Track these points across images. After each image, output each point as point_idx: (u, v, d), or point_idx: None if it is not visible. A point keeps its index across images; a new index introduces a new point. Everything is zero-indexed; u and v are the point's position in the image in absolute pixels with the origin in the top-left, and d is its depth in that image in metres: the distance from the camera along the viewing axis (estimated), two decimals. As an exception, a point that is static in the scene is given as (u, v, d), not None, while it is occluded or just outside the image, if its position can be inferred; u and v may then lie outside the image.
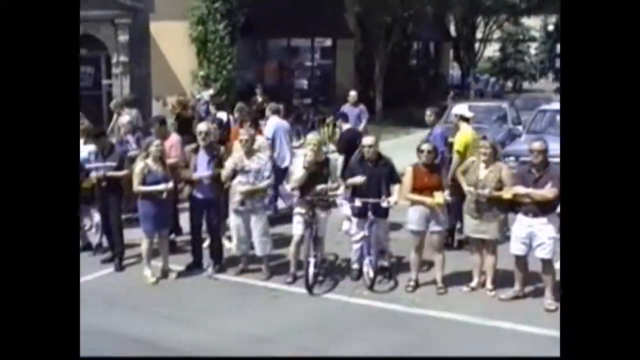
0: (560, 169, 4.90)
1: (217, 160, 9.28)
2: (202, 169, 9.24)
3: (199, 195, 9.24)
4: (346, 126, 11.94)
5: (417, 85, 31.55)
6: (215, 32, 19.16)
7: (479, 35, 39.82)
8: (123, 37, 18.72)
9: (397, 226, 10.06)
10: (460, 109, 10.34)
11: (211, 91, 18.45)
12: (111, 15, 18.66)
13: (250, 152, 8.97)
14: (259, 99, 18.04)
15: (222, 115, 13.41)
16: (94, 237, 10.49)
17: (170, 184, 8.92)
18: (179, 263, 9.60)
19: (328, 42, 26.63)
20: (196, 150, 9.35)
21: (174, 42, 19.55)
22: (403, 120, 24.50)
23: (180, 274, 9.34)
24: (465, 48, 39.44)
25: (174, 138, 10.93)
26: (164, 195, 8.86)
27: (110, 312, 8.08)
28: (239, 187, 8.84)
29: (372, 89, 26.87)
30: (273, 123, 12.18)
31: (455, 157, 9.65)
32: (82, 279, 8.69)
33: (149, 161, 8.86)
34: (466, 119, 10.09)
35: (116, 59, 19.02)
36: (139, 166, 8.79)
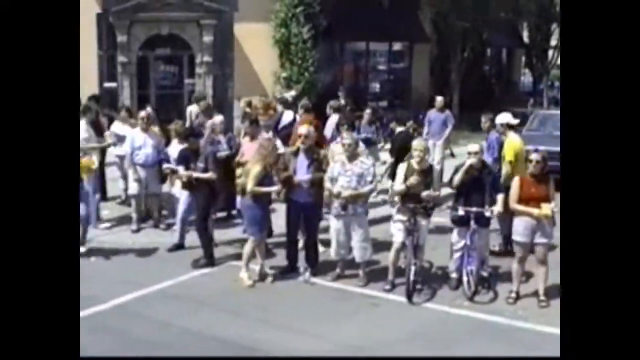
0: (560, 170, 4.82)
1: (317, 164, 9.16)
2: (301, 172, 9.14)
3: (297, 199, 9.13)
4: (399, 129, 11.76)
5: (491, 91, 30.96)
6: (298, 35, 19.09)
7: (552, 42, 38.86)
8: (208, 38, 18.86)
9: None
10: (505, 117, 10.23)
11: (293, 92, 18.35)
12: (196, 17, 18.78)
13: (353, 156, 8.82)
14: (342, 101, 17.84)
15: (289, 114, 13.22)
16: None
17: (279, 187, 8.86)
18: (270, 265, 9.53)
19: (404, 46, 26.29)
20: (296, 153, 9.23)
21: (256, 43, 19.58)
22: (478, 126, 23.97)
23: (275, 278, 9.19)
24: (537, 55, 38.52)
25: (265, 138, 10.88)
26: (281, 196, 8.79)
27: (204, 314, 8.03)
28: (342, 191, 8.67)
29: (447, 93, 26.45)
30: (334, 121, 12.03)
31: (507, 167, 9.57)
32: (175, 280, 9.00)
33: (267, 164, 8.79)
34: (512, 127, 10.05)
35: (200, 59, 19.18)
36: (255, 168, 8.71)
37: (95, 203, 10.99)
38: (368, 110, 13.53)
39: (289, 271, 9.39)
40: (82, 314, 7.38)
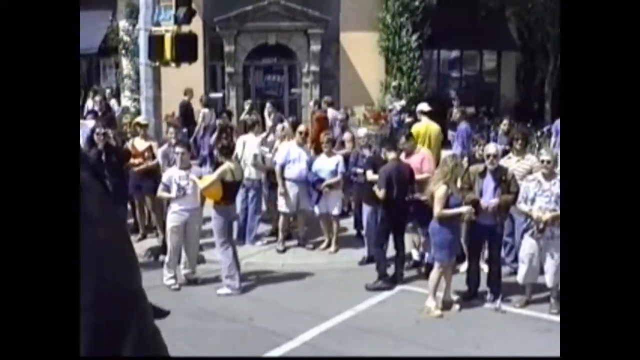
0: (560, 170, 4.95)
1: (505, 186, 8.18)
2: (488, 194, 8.17)
3: (482, 221, 8.15)
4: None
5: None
6: (407, 44, 18.12)
7: None
8: (315, 47, 18.08)
9: None
10: (422, 105, 12.43)
11: (403, 102, 17.47)
12: (304, 26, 17.98)
13: (550, 174, 7.81)
14: (455, 110, 16.82)
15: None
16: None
17: (470, 207, 7.88)
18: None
19: (493, 55, 25.20)
20: (483, 174, 8.25)
21: (361, 52, 18.71)
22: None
23: (461, 305, 8.25)
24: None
25: (424, 152, 10.00)
26: (472, 217, 7.83)
27: (405, 350, 7.14)
28: (539, 214, 7.69)
29: (535, 101, 25.39)
30: (463, 129, 12.17)
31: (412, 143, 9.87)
32: (355, 310, 8.18)
33: (451, 183, 7.84)
34: (426, 113, 11.94)
35: (307, 68, 18.41)
36: (441, 189, 7.77)
37: (256, 220, 10.51)
38: (505, 121, 12.48)
39: (470, 297, 8.40)
40: (273, 353, 6.61)
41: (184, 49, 10.24)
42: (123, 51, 19.18)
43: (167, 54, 10.10)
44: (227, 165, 8.67)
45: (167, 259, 8.79)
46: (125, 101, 19.50)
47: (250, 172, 10.29)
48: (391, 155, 9.00)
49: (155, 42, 10.30)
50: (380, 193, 8.75)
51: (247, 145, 10.62)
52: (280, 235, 10.53)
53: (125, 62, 19.43)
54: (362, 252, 10.01)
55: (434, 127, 11.64)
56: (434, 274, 8.03)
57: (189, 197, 8.72)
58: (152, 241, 10.75)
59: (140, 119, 10.68)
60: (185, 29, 10.43)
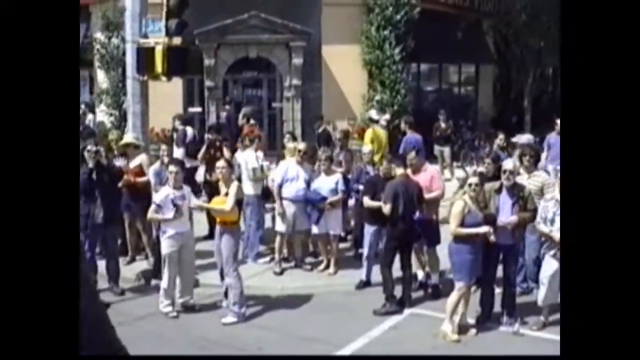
0: (560, 171, 5.15)
1: (522, 203, 7.86)
2: (505, 212, 7.84)
3: (499, 240, 7.79)
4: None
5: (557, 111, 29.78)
6: (390, 57, 17.83)
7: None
8: (297, 60, 17.63)
9: None
10: (371, 113, 13.94)
11: (387, 116, 17.06)
12: (285, 39, 17.57)
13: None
14: (442, 124, 16.57)
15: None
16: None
17: (489, 227, 7.53)
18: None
19: (470, 68, 25.16)
20: (499, 190, 7.92)
21: (344, 65, 18.34)
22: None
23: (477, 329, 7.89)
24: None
25: (433, 170, 9.68)
26: (492, 238, 7.48)
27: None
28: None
29: (512, 114, 25.46)
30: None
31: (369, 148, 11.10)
32: (368, 337, 7.82)
33: (468, 200, 7.48)
34: (376, 121, 13.06)
35: (289, 82, 17.93)
36: (459, 205, 7.41)
37: (257, 236, 10.22)
38: (501, 136, 12.24)
39: (484, 320, 8.04)
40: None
41: (176, 62, 9.77)
42: (98, 64, 18.53)
43: (158, 67, 9.61)
44: (236, 182, 8.31)
45: (164, 284, 8.29)
46: (102, 116, 18.89)
47: (247, 188, 9.96)
48: (399, 170, 8.63)
49: (145, 55, 9.80)
50: (386, 208, 8.38)
51: (247, 161, 10.30)
52: (277, 256, 10.10)
53: (101, 76, 18.76)
54: (361, 274, 9.58)
55: (382, 133, 12.91)
56: (453, 296, 7.64)
57: (182, 219, 8.28)
58: (142, 264, 10.21)
59: (132, 139, 10.11)
60: (166, 41, 9.92)
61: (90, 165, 8.75)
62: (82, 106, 18.64)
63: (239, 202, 8.25)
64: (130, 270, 9.91)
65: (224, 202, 8.10)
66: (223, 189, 8.27)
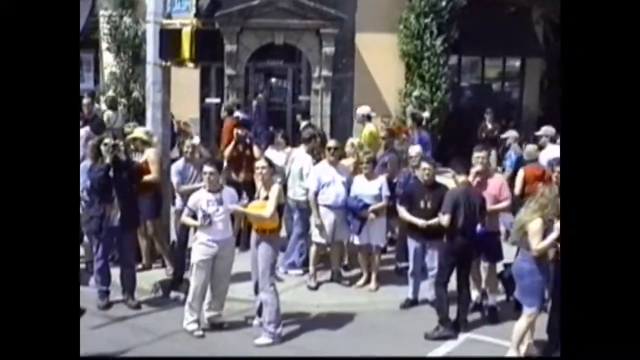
0: (560, 172, 5.56)
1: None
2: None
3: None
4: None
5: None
6: (431, 48, 17.51)
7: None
8: (329, 49, 17.38)
9: None
10: (364, 109, 13.36)
11: (427, 113, 16.84)
12: (316, 25, 17.30)
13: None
14: (489, 125, 16.24)
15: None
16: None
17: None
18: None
19: (515, 62, 24.67)
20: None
21: (379, 56, 18.12)
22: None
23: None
24: None
25: (501, 178, 9.44)
26: None
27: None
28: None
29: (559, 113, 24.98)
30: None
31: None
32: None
33: (546, 216, 7.20)
34: (370, 118, 13.13)
35: (318, 72, 17.67)
36: (537, 222, 7.12)
37: (298, 244, 10.15)
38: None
39: (553, 349, 7.74)
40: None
41: (205, 47, 9.48)
42: (106, 45, 18.30)
43: (185, 52, 9.33)
44: (278, 185, 8.07)
45: (189, 298, 8.05)
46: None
47: (295, 192, 9.89)
48: (461, 178, 8.34)
49: (170, 38, 9.52)
50: (444, 219, 8.11)
51: (297, 161, 10.11)
52: (312, 268, 9.85)
53: (108, 59, 18.57)
54: (405, 291, 9.32)
55: (377, 132, 12.92)
56: (522, 323, 7.35)
57: (219, 226, 8.01)
58: (159, 273, 9.98)
59: (141, 134, 9.86)
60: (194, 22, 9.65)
61: (107, 161, 8.49)
62: (86, 98, 18.29)
63: (279, 208, 7.97)
64: (146, 279, 9.65)
65: (263, 207, 7.85)
66: (263, 192, 8.00)
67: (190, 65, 9.63)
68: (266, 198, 7.93)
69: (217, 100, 17.72)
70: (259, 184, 8.15)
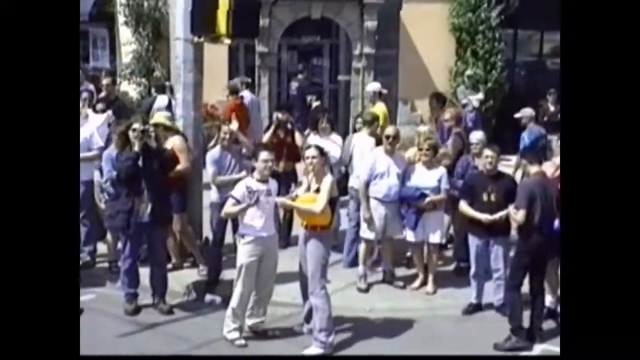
0: (561, 170, 5.74)
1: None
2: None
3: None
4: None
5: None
6: (486, 21, 17.17)
7: None
8: (371, 23, 17.17)
9: None
10: (374, 86, 13.19)
11: (480, 95, 16.51)
12: (356, -5, 17.05)
13: None
14: (551, 107, 15.86)
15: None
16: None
17: None
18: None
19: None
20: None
21: (428, 30, 17.83)
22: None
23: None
24: None
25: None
26: None
27: None
28: None
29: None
30: None
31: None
32: None
33: None
34: (381, 95, 12.89)
35: (359, 49, 17.48)
36: None
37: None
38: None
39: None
40: None
41: (244, 21, 9.27)
42: (124, 19, 18.18)
43: (222, 26, 9.12)
44: (331, 177, 7.92)
45: (234, 303, 7.88)
46: (125, 86, 18.57)
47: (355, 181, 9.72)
48: (533, 168, 8.06)
49: (203, 11, 9.31)
50: (519, 215, 7.85)
51: (359, 146, 10.00)
52: (361, 268, 9.62)
53: (126, 34, 18.44)
54: (466, 294, 9.08)
55: (384, 110, 12.75)
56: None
57: (268, 220, 7.84)
58: (191, 273, 9.88)
59: (163, 119, 9.68)
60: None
61: (136, 148, 8.31)
62: (104, 76, 18.20)
63: (332, 202, 7.75)
64: (177, 280, 9.50)
65: (314, 201, 7.65)
66: (313, 184, 7.82)
67: (227, 41, 9.46)
68: (317, 190, 7.72)
69: (248, 80, 17.49)
70: (309, 174, 7.93)
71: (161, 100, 14.11)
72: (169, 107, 13.55)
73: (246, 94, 13.76)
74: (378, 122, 10.67)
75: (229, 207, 7.95)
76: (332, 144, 10.48)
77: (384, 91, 13.09)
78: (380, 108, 12.48)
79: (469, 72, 17.27)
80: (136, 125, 8.44)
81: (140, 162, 8.37)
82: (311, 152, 7.90)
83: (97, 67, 20.32)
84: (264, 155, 7.85)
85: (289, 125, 10.96)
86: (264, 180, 7.85)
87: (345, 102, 18.28)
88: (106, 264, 10.04)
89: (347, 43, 17.97)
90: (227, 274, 9.39)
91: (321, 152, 7.95)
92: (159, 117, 9.77)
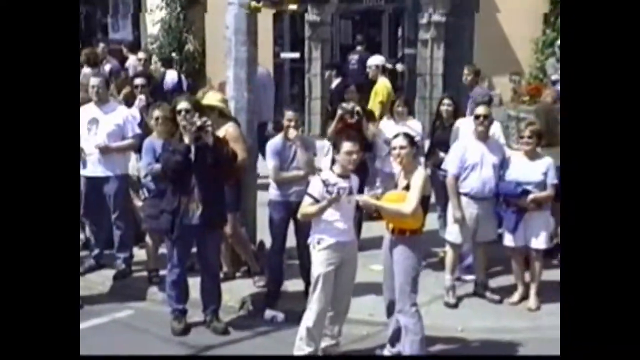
0: (560, 167, 6.37)
1: None
2: None
3: None
4: None
5: None
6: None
7: None
8: (447, -16, 16.88)
9: None
10: (378, 59, 13.46)
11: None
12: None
13: None
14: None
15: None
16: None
17: None
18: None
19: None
20: None
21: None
22: None
23: None
24: None
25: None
26: None
27: None
28: None
29: None
30: None
31: (379, 108, 12.14)
32: None
33: None
34: (385, 70, 13.35)
35: (427, 17, 17.24)
36: None
37: None
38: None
39: None
40: None
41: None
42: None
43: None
44: (423, 171, 7.66)
45: (309, 323, 7.60)
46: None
47: None
48: None
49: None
50: None
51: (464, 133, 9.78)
52: (449, 279, 9.37)
53: (153, 1, 18.36)
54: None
55: (389, 86, 13.20)
56: None
57: (348, 223, 7.62)
58: (245, 284, 9.67)
59: (217, 101, 9.36)
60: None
61: (187, 140, 8.01)
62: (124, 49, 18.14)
63: (424, 200, 7.44)
64: (230, 292, 9.26)
65: (403, 200, 7.36)
66: (402, 180, 7.56)
67: (292, 6, 9.23)
68: (406, 187, 7.39)
69: (296, 55, 17.27)
70: (396, 168, 7.67)
71: (169, 76, 13.89)
72: (179, 85, 13.40)
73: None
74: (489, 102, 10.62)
75: (307, 207, 7.66)
76: (410, 131, 10.11)
77: (388, 65, 13.52)
78: (383, 84, 12.90)
79: (559, 42, 16.82)
80: (182, 106, 8.16)
81: (191, 156, 8.06)
82: (399, 141, 7.60)
83: (116, 40, 20.29)
84: (347, 146, 7.54)
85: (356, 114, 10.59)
86: (345, 176, 7.53)
87: (409, 80, 17.95)
88: (145, 273, 9.77)
89: (414, 9, 17.76)
90: (288, 285, 9.25)
91: (411, 141, 7.64)
92: (213, 99, 9.42)
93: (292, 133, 8.89)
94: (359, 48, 16.77)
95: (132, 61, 15.93)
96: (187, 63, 17.53)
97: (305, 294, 8.45)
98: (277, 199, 9.04)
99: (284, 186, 8.88)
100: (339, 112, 10.44)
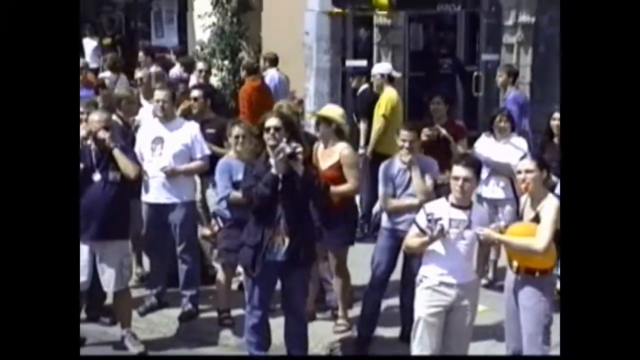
0: (560, 168, 6.48)
1: None
2: None
3: None
4: None
5: None
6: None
7: None
8: (535, -20, 16.70)
9: None
10: (384, 67, 13.28)
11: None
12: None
13: None
14: None
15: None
16: None
17: None
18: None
19: None
20: None
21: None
22: None
23: None
24: None
25: None
26: None
27: None
28: None
29: None
30: None
31: (381, 122, 12.16)
32: None
33: None
34: (392, 80, 12.82)
35: (512, 19, 16.87)
36: None
37: None
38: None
39: None
40: None
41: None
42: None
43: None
44: (556, 200, 7.24)
45: None
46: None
47: None
48: None
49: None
50: None
51: None
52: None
53: (203, 4, 18.26)
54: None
55: (396, 97, 12.89)
56: None
57: (461, 261, 7.38)
58: (328, 326, 9.42)
59: (339, 117, 9.09)
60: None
61: (275, 170, 7.71)
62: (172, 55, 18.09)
63: (557, 235, 7.13)
64: (314, 339, 8.93)
65: (532, 233, 7.08)
66: (528, 210, 7.29)
67: (383, 13, 8.93)
68: (536, 219, 7.03)
69: (363, 62, 17.00)
70: (524, 196, 7.43)
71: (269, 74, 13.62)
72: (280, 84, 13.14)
73: (271, 73, 13.27)
74: None
75: (410, 239, 7.49)
76: (514, 150, 9.78)
77: (396, 74, 13.05)
78: (389, 95, 12.58)
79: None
80: (272, 123, 7.90)
81: (279, 185, 7.77)
82: (525, 164, 7.28)
83: (160, 46, 20.25)
84: (458, 170, 7.21)
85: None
86: (462, 206, 7.20)
87: (487, 89, 17.61)
88: (215, 314, 9.49)
89: (496, 11, 17.46)
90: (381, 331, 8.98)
91: (542, 164, 7.31)
92: (335, 112, 9.17)
93: (408, 156, 8.52)
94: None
95: (177, 70, 15.81)
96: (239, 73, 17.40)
97: (401, 339, 8.33)
98: (385, 224, 8.80)
99: (394, 213, 8.62)
100: (423, 138, 10.08)
